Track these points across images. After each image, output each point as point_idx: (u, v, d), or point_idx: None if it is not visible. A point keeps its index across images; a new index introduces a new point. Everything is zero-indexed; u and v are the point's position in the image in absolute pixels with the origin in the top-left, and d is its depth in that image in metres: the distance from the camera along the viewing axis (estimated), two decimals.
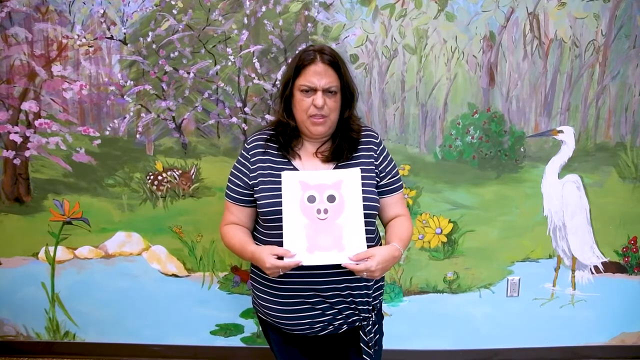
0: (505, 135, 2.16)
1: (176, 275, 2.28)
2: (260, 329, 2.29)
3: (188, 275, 2.28)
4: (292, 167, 1.49)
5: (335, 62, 1.46)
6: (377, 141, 1.56)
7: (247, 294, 2.28)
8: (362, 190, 1.42)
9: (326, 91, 1.44)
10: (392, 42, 2.06)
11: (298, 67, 1.46)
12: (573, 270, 2.29)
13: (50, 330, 2.35)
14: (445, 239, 2.24)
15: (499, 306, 2.30)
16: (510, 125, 2.15)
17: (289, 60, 2.03)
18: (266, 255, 1.37)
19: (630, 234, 2.26)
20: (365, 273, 1.37)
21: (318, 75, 1.43)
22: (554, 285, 2.30)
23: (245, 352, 2.35)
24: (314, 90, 1.43)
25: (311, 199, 1.40)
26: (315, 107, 1.43)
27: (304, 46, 2.02)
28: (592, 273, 2.29)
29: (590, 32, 2.07)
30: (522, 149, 2.17)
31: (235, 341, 2.34)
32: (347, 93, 1.49)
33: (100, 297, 2.30)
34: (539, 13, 2.05)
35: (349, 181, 1.41)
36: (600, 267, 2.29)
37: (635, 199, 2.22)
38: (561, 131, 2.15)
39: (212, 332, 2.33)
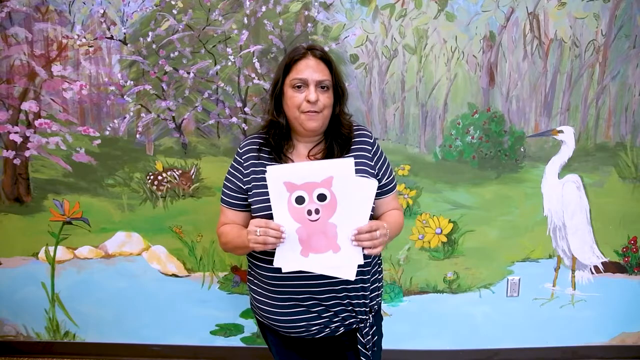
0: (505, 135, 2.16)
1: (176, 275, 2.27)
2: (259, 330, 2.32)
3: (188, 275, 2.28)
4: None
5: (326, 58, 1.45)
6: (371, 141, 1.53)
7: (247, 294, 2.27)
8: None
9: (318, 86, 1.41)
10: (392, 42, 2.06)
11: (288, 63, 1.44)
12: (573, 270, 2.29)
13: (50, 330, 2.35)
14: (445, 239, 2.24)
15: (499, 306, 2.30)
16: (510, 125, 2.15)
17: None
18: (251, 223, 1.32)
19: (630, 234, 2.26)
20: (378, 233, 1.31)
21: (310, 69, 1.41)
22: (554, 285, 2.30)
23: (245, 352, 2.35)
24: (306, 84, 1.41)
25: (300, 200, 1.29)
26: (309, 102, 1.40)
27: None
28: (592, 273, 2.29)
29: (590, 32, 2.07)
30: (522, 149, 2.17)
31: (235, 341, 2.34)
32: (338, 90, 1.47)
33: (100, 297, 2.30)
34: (539, 13, 2.05)
35: (340, 176, 1.28)
36: (600, 267, 2.29)
37: (635, 199, 2.22)
38: (561, 131, 2.15)
39: (212, 332, 2.33)
